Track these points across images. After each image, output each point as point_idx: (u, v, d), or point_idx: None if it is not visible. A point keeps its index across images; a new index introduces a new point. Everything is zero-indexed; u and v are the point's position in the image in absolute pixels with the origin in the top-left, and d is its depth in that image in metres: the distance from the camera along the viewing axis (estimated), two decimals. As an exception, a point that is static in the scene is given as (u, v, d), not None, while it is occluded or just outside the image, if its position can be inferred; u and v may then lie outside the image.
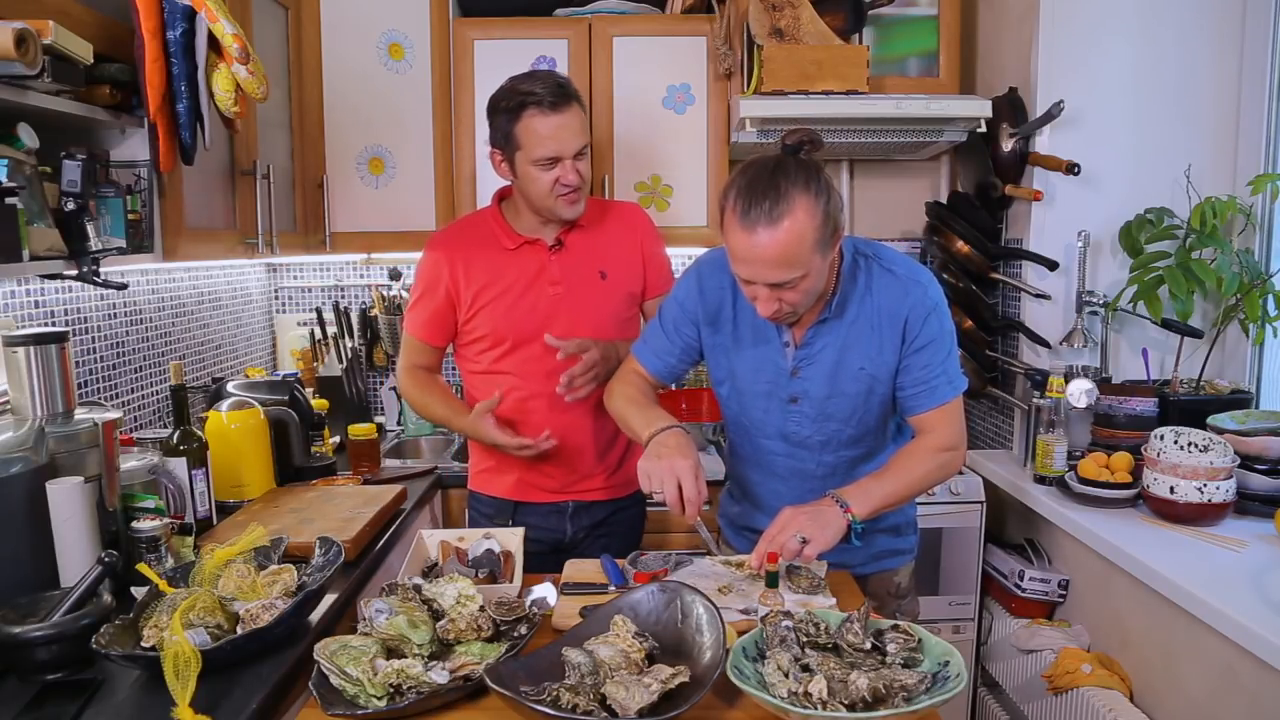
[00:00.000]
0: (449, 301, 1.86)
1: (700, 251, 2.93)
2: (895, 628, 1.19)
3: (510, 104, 1.72)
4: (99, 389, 2.00)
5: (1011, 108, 2.42)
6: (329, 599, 1.46)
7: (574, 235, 1.86)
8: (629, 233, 1.91)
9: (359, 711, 1.08)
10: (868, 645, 1.16)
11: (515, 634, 1.27)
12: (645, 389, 1.68)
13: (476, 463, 2.00)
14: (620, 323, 1.90)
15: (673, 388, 2.73)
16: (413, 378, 1.92)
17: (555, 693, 1.07)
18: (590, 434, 1.90)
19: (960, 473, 2.43)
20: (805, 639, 1.18)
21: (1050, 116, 2.29)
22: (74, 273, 1.50)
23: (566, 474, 1.91)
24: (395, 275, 2.92)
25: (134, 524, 1.48)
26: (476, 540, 1.61)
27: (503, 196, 1.92)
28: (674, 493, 1.43)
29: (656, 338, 1.67)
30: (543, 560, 1.78)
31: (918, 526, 1.79)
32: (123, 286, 1.67)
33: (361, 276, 3.01)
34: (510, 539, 1.62)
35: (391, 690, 1.11)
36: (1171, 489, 1.90)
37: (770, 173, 1.37)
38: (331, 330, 2.88)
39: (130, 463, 1.61)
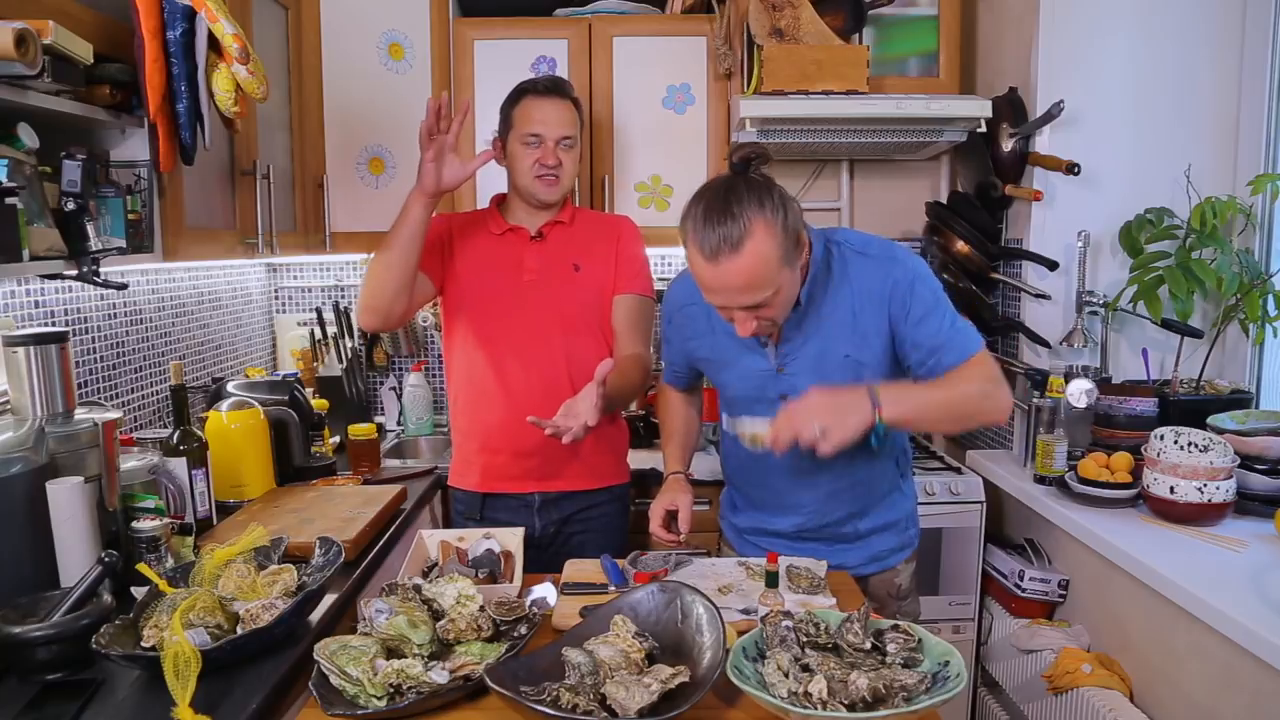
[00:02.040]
0: (441, 242, 1.93)
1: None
2: (895, 628, 1.19)
3: (512, 93, 1.92)
4: (99, 389, 2.00)
5: (1011, 108, 2.42)
6: (329, 599, 1.46)
7: (556, 229, 1.95)
8: (609, 233, 1.99)
9: (359, 711, 1.08)
10: (868, 645, 1.16)
11: (515, 634, 1.27)
12: (683, 415, 1.85)
13: (454, 458, 2.06)
14: (590, 315, 1.95)
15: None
16: None
17: (555, 693, 1.07)
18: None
19: (960, 471, 2.43)
20: (805, 639, 1.18)
21: (1050, 116, 2.29)
22: (74, 273, 1.50)
23: (530, 461, 1.93)
24: (395, 275, 2.92)
25: (134, 524, 1.48)
26: (476, 540, 1.61)
27: (499, 200, 2.01)
28: (659, 514, 1.66)
29: (668, 354, 1.81)
30: None
31: (918, 520, 1.78)
32: (123, 286, 1.67)
33: (361, 276, 3.00)
34: (510, 539, 1.62)
35: (391, 690, 1.11)
36: (1171, 489, 1.90)
37: (724, 199, 1.36)
38: (331, 330, 2.88)
39: (130, 463, 1.60)
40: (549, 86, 1.89)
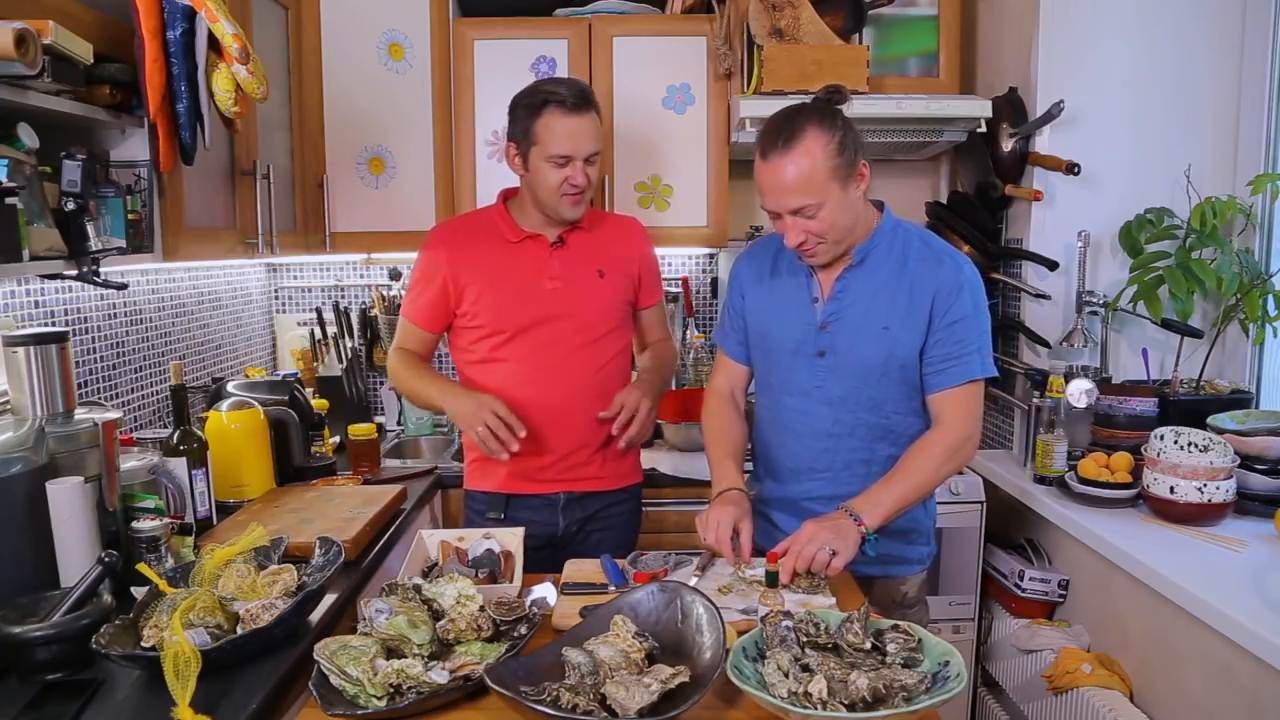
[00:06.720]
0: (444, 291, 1.89)
1: (700, 251, 2.96)
2: (895, 628, 1.19)
3: (533, 100, 1.80)
4: (99, 389, 2.00)
5: (1011, 108, 2.42)
6: (329, 599, 1.46)
7: (576, 235, 1.91)
8: (627, 238, 1.98)
9: (359, 711, 1.08)
10: (868, 645, 1.16)
11: (515, 634, 1.27)
12: (728, 421, 1.74)
13: (470, 459, 2.02)
14: (614, 321, 1.93)
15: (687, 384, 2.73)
16: (402, 357, 1.93)
17: (555, 693, 1.07)
18: (584, 421, 1.91)
19: (961, 472, 2.43)
20: (805, 639, 1.18)
21: (1050, 116, 2.29)
22: (74, 273, 1.50)
23: (558, 462, 1.92)
24: (395, 275, 2.92)
25: (134, 524, 1.48)
26: (476, 540, 1.61)
27: (508, 196, 1.96)
28: (726, 526, 1.52)
29: (727, 319, 1.79)
30: (537, 556, 1.78)
31: (931, 538, 1.77)
32: (123, 286, 1.67)
33: (361, 276, 3.01)
34: (510, 539, 1.62)
35: (391, 690, 1.11)
36: (1171, 489, 1.90)
37: (788, 113, 1.51)
38: (331, 330, 2.88)
39: (130, 463, 1.61)
40: (577, 101, 1.77)
